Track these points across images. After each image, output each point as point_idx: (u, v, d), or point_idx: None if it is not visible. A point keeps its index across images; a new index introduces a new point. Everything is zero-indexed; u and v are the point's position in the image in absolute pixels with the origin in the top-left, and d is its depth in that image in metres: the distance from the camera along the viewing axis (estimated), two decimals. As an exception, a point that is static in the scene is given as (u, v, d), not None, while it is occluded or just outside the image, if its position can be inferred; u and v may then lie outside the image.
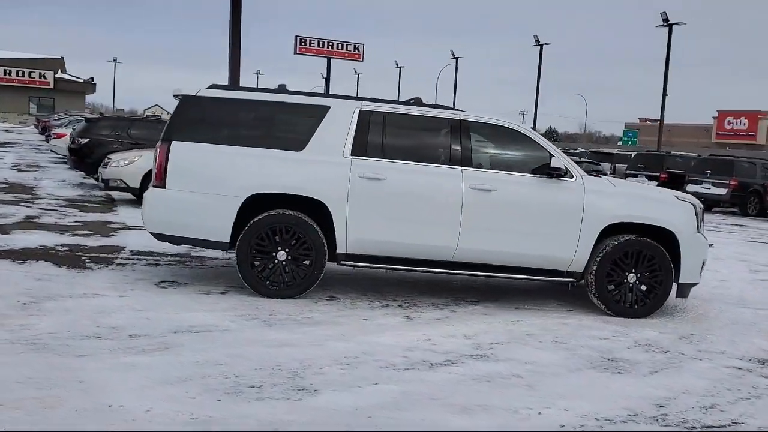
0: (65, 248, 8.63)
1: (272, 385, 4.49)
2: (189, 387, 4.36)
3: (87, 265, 7.76)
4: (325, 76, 51.35)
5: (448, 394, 4.57)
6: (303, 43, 49.38)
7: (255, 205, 6.82)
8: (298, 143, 6.91)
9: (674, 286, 7.34)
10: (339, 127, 6.96)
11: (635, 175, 26.67)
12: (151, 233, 7.04)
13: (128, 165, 13.74)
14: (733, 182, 22.53)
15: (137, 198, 13.95)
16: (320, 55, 50.22)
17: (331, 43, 50.07)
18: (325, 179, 6.85)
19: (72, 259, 8.00)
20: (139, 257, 8.41)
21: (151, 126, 16.98)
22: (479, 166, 7.10)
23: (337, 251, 6.93)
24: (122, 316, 5.83)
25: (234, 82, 10.41)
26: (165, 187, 6.80)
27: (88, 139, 16.29)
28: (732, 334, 6.78)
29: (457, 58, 66.51)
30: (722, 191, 22.84)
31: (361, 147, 6.95)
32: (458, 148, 7.07)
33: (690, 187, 22.53)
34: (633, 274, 7.17)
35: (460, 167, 7.01)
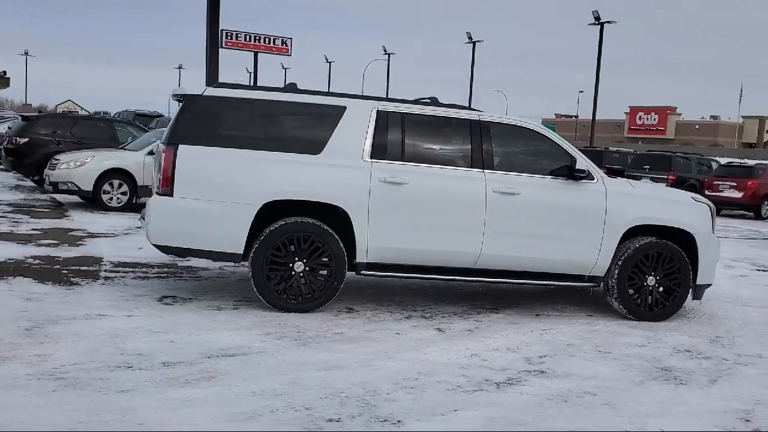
0: (38, 261, 7.88)
1: (350, 417, 4.08)
2: (263, 424, 3.90)
3: (72, 280, 7.07)
4: (249, 70, 50.37)
5: (535, 418, 4.26)
6: (229, 37, 48.00)
7: (268, 213, 6.34)
8: (314, 146, 6.46)
9: (689, 287, 7.28)
10: (356, 128, 6.54)
11: (639, 177, 27.01)
12: (155, 245, 6.43)
13: (80, 167, 12.87)
14: (671, 177, 23.13)
15: (90, 202, 13.13)
16: (247, 49, 49.08)
17: (258, 38, 48.97)
18: (344, 185, 6.42)
19: (52, 273, 7.29)
20: (125, 269, 7.76)
21: (96, 125, 16.01)
22: (500, 168, 6.82)
23: (357, 261, 6.53)
24: (141, 340, 5.26)
25: (212, 79, 9.78)
26: (172, 195, 6.22)
27: (27, 139, 15.19)
28: (755, 336, 6.74)
29: (389, 54, 66.33)
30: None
31: (380, 150, 6.56)
32: (479, 149, 6.77)
33: None
34: (652, 276, 7.05)
35: (482, 170, 6.72)
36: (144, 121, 28.33)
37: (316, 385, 4.55)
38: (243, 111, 6.47)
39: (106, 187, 12.91)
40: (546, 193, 6.84)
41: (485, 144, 6.78)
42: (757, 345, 6.41)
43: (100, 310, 5.98)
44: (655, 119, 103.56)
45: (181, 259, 7.77)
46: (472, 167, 6.71)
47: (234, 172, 6.28)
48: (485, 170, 6.72)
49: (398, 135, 6.63)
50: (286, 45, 50.60)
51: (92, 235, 10.00)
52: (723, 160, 26.30)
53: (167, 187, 6.22)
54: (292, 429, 3.88)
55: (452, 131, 6.86)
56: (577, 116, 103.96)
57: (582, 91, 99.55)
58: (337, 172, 6.42)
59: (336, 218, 6.47)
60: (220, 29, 48.27)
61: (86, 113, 60.58)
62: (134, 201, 13.19)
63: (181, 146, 6.22)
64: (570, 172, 6.87)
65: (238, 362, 4.92)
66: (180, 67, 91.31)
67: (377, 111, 6.62)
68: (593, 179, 6.95)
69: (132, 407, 4.00)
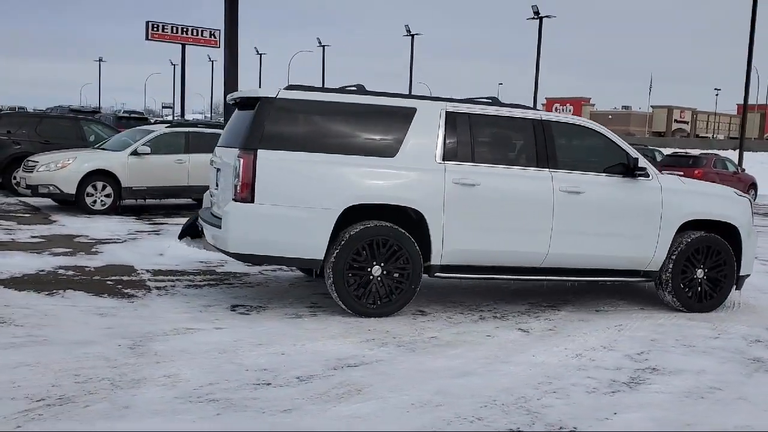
0: (71, 272, 7.48)
1: (527, 426, 4.04)
2: (453, 438, 3.84)
3: (125, 291, 6.74)
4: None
5: (694, 417, 4.34)
6: (155, 29, 46.19)
7: (343, 218, 6.21)
8: (389, 149, 6.36)
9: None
10: (428, 130, 6.48)
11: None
12: (235, 254, 6.17)
13: (61, 168, 12.26)
14: None
15: (73, 205, 12.52)
16: (174, 41, 47.18)
17: (185, 29, 47.43)
18: (421, 187, 6.35)
19: (97, 285, 6.93)
20: (167, 278, 7.44)
21: (63, 123, 15.24)
22: (564, 167, 6.89)
23: (432, 263, 6.48)
24: (252, 354, 5.07)
25: (231, 83, 9.47)
26: (252, 202, 6.00)
27: (-12, 139, 14.32)
28: (803, 323, 7.08)
29: (324, 46, 65.68)
30: None
31: (451, 151, 6.51)
32: (544, 149, 6.82)
33: None
34: (701, 269, 7.30)
35: (548, 169, 6.78)
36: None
37: (463, 393, 4.50)
38: (319, 114, 6.30)
39: (90, 189, 12.33)
40: (608, 191, 6.96)
41: (549, 143, 6.84)
42: (812, 332, 6.72)
43: (184, 324, 5.73)
44: (570, 110, 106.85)
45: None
46: (538, 167, 6.77)
47: (314, 177, 6.12)
48: (551, 170, 6.80)
49: (467, 136, 6.61)
50: (215, 37, 49.21)
51: (100, 242, 9.54)
52: (666, 151, 27.42)
53: (247, 193, 5.99)
54: (480, 441, 3.83)
55: (517, 131, 6.89)
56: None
57: (501, 84, 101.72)
58: (414, 175, 6.34)
59: (409, 221, 6.40)
60: (146, 21, 46.29)
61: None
62: (118, 204, 12.66)
63: (260, 151, 6.00)
64: (628, 170, 7.02)
65: (368, 372, 4.81)
66: (100, 60, 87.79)
67: (446, 112, 6.58)
68: (648, 176, 7.11)
69: (312, 426, 3.85)
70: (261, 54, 78.98)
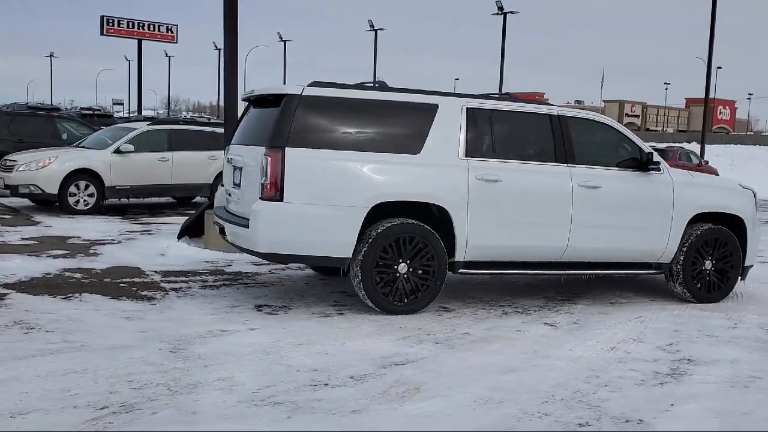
0: (78, 275, 7.28)
1: (595, 420, 4.07)
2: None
3: (142, 294, 6.60)
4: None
5: (746, 406, 4.42)
6: (110, 24, 45.61)
7: (371, 215, 6.17)
8: (414, 146, 6.34)
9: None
10: (450, 126, 6.47)
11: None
12: (264, 254, 6.07)
13: (43, 168, 11.94)
14: None
15: (53, 205, 12.19)
16: (131, 36, 46.65)
17: (142, 24, 46.77)
18: (446, 184, 6.34)
19: (112, 288, 6.77)
20: (179, 279, 7.31)
21: (36, 121, 14.80)
22: (581, 162, 6.95)
23: (456, 259, 6.49)
24: (297, 354, 5.00)
25: (231, 71, 9.29)
26: (281, 200, 5.91)
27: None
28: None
29: (285, 41, 65.09)
30: None
31: (473, 147, 6.52)
32: (562, 144, 6.87)
33: None
34: (709, 261, 7.45)
35: (567, 164, 6.84)
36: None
37: (518, 389, 4.51)
38: (344, 110, 6.24)
39: (72, 189, 12.01)
40: (623, 186, 7.05)
41: (566, 138, 6.90)
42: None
43: (216, 325, 5.62)
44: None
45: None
46: (556, 162, 6.82)
47: (342, 175, 6.06)
48: (569, 165, 6.86)
49: (488, 132, 6.63)
50: (172, 32, 48.47)
51: (95, 243, 9.31)
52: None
53: (275, 192, 5.90)
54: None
55: (535, 126, 6.92)
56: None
57: (458, 79, 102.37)
58: (438, 172, 6.33)
59: (432, 218, 6.39)
60: (101, 15, 45.18)
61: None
62: (101, 204, 12.36)
63: (288, 149, 5.92)
64: (641, 164, 7.12)
65: (418, 370, 4.79)
66: (51, 56, 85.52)
67: (467, 108, 6.58)
68: (660, 170, 7.22)
69: (387, 426, 3.82)
70: (219, 49, 77.90)
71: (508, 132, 6.82)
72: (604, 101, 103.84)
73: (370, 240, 6.10)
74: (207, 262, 8.20)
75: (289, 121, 6.00)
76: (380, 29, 55.27)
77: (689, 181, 7.47)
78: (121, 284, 6.92)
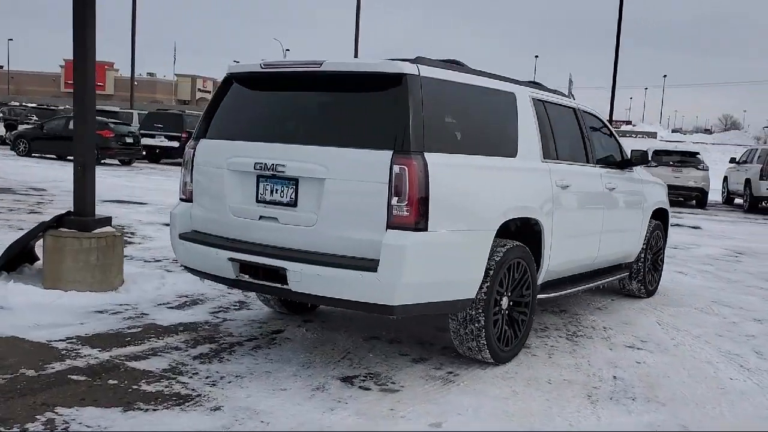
0: None
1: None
2: None
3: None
4: None
5: None
6: None
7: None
8: (511, 146, 5.03)
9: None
10: (528, 121, 5.29)
11: (153, 136, 24.98)
12: (399, 307, 4.09)
13: None
14: (184, 135, 24.45)
15: None
16: None
17: None
18: (539, 193, 5.19)
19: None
20: (139, 356, 4.74)
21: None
22: (598, 162, 6.36)
23: (539, 282, 5.37)
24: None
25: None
26: (427, 229, 4.11)
27: None
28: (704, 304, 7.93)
29: None
30: (175, 143, 24.98)
31: (545, 147, 5.44)
32: (589, 142, 6.22)
33: (145, 141, 24.42)
34: (650, 255, 7.56)
35: (596, 165, 6.22)
36: None
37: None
38: (458, 101, 4.62)
39: None
40: (625, 186, 6.71)
41: (589, 136, 6.28)
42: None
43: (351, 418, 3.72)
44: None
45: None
46: (587, 162, 6.15)
47: (480, 189, 4.53)
48: (598, 166, 6.27)
49: (548, 129, 5.60)
50: None
51: None
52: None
53: (419, 217, 4.07)
54: None
55: (569, 122, 6.09)
56: (6, 67, 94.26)
57: (12, 39, 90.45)
58: (534, 179, 5.17)
59: (522, 235, 5.16)
60: None
61: None
62: None
63: (428, 155, 4.13)
64: (626, 162, 6.83)
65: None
66: None
67: (533, 99, 5.47)
68: (632, 168, 7.00)
69: None
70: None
71: (560, 129, 5.83)
72: (176, 75, 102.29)
73: (491, 271, 4.66)
74: (112, 312, 5.51)
75: (418, 113, 4.20)
76: None
77: (648, 177, 7.46)
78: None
